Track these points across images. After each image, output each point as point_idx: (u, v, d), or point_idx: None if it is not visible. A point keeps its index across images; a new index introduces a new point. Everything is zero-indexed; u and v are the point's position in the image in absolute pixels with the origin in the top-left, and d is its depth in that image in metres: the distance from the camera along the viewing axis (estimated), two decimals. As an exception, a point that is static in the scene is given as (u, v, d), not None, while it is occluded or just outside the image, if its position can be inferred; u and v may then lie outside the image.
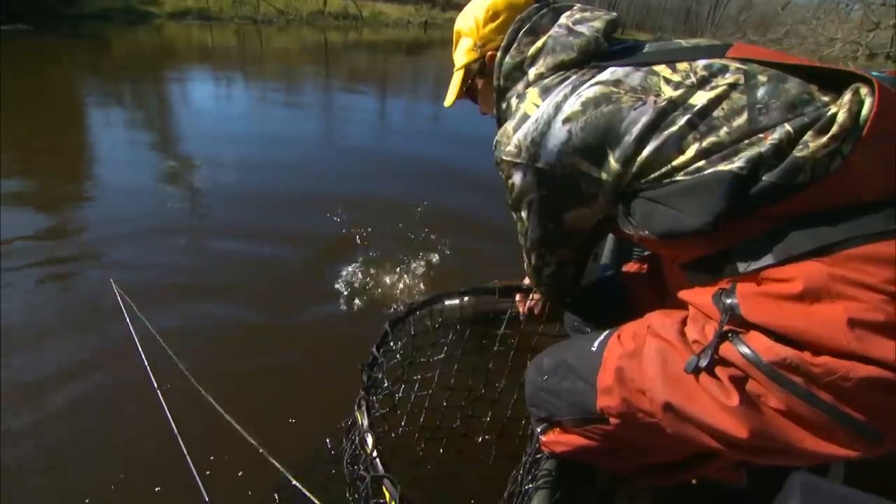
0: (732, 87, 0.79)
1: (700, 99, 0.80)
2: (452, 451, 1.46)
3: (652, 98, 0.82)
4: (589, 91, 0.86)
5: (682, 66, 0.85)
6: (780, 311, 0.69)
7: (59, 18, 13.50)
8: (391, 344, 1.42)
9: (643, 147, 0.81)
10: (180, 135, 5.11)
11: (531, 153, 0.90)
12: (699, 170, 0.76)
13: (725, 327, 0.73)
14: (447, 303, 1.60)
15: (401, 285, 2.38)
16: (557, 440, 1.03)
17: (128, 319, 1.87)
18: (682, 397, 0.77)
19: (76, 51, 10.08)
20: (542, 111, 0.90)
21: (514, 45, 0.99)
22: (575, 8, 1.01)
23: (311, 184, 3.68)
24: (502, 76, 1.01)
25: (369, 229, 2.90)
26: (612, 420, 0.89)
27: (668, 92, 0.82)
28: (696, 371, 0.75)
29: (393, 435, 1.42)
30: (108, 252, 2.57)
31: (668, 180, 0.79)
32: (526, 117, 0.92)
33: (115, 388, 1.70)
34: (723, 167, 0.74)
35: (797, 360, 0.67)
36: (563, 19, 0.98)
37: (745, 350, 0.71)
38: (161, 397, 1.45)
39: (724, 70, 0.82)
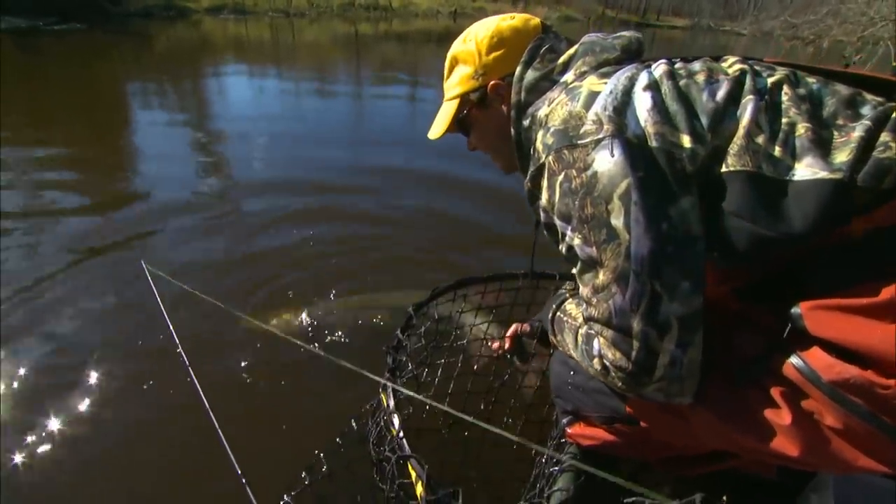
0: (787, 78, 0.74)
1: (765, 81, 0.74)
2: (476, 435, 1.45)
3: (723, 76, 0.76)
4: (659, 69, 0.79)
5: (731, 58, 0.81)
6: (851, 326, 0.62)
7: (107, 16, 14.11)
8: (415, 328, 1.40)
9: (729, 115, 0.72)
10: (216, 123, 5.27)
11: (616, 123, 0.73)
12: (780, 164, 0.68)
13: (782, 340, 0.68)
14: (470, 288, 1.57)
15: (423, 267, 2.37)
16: (583, 433, 1.00)
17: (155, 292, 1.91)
18: (725, 411, 0.72)
19: (122, 46, 10.40)
20: (615, 84, 0.77)
21: (538, 60, 0.92)
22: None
23: (343, 175, 3.68)
24: (524, 90, 0.91)
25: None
26: (643, 423, 0.86)
27: (735, 73, 0.76)
28: (743, 384, 0.71)
29: (419, 417, 1.41)
30: (147, 227, 2.70)
31: (752, 167, 0.68)
32: (595, 94, 0.77)
33: (147, 363, 1.75)
34: (811, 169, 0.65)
35: (861, 380, 0.61)
36: (586, 36, 0.93)
37: (801, 365, 0.65)
38: (192, 372, 1.46)
39: (771, 67, 0.78)
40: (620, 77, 0.78)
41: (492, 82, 0.98)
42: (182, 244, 2.61)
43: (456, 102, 1.04)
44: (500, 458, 1.39)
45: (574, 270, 0.82)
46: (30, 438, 1.46)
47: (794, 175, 0.66)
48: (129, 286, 2.20)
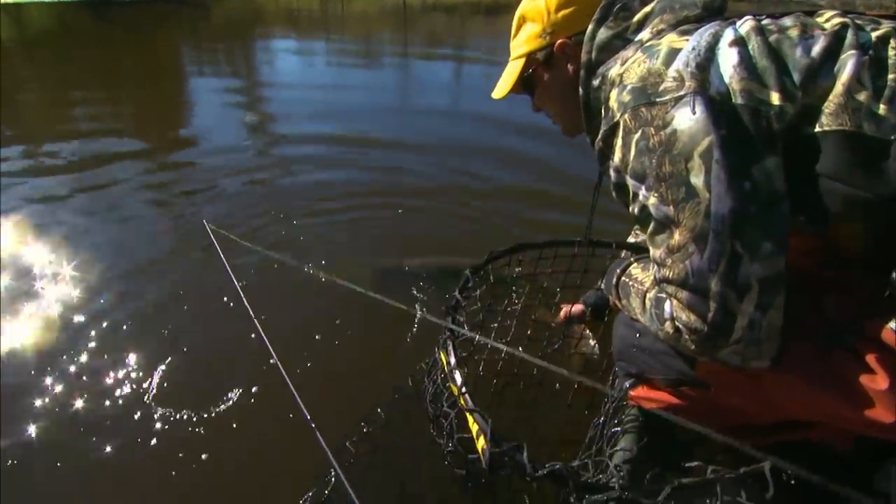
0: (894, 32, 0.68)
1: (868, 36, 0.69)
2: (529, 398, 1.45)
3: (819, 31, 0.70)
4: (745, 25, 0.73)
5: (829, 12, 0.75)
6: None
7: None
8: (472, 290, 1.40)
9: (822, 75, 0.67)
10: (265, 90, 5.36)
11: (699, 80, 0.69)
12: (885, 122, 0.63)
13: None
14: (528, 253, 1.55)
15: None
16: (647, 395, 0.98)
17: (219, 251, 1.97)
18: (812, 375, 0.69)
19: (181, 16, 10.65)
20: (698, 41, 0.72)
21: (611, 18, 0.88)
22: None
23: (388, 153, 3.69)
24: (595, 49, 0.88)
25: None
26: (713, 386, 0.83)
27: (832, 28, 0.70)
28: (832, 349, 0.67)
29: (470, 381, 1.42)
30: (202, 190, 2.80)
31: (851, 126, 0.64)
32: (675, 51, 0.73)
33: (214, 314, 1.82)
34: None
35: None
36: None
37: None
38: (258, 324, 1.51)
39: (875, 21, 0.72)
40: (704, 34, 0.73)
41: (559, 41, 0.95)
42: (234, 198, 2.73)
43: (522, 62, 1.01)
44: (553, 420, 1.39)
45: (644, 233, 0.79)
46: (108, 379, 1.55)
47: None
48: (188, 238, 2.30)
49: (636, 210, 0.78)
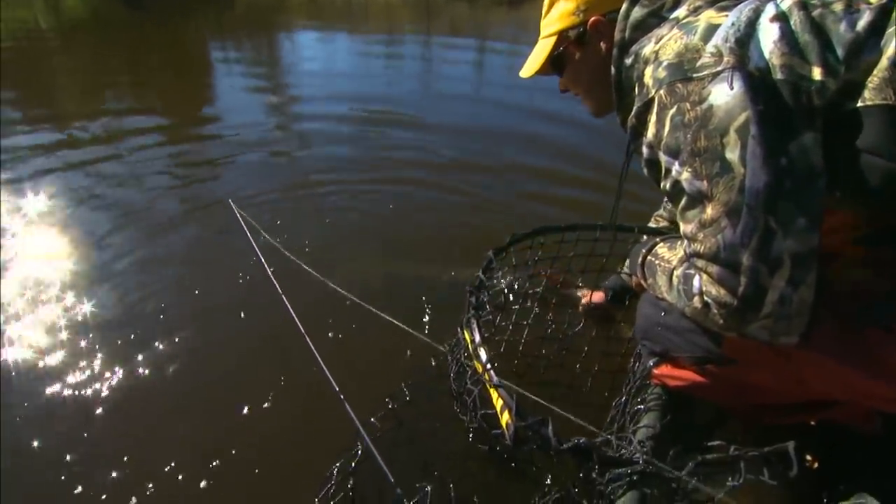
0: None
1: None
2: (550, 379, 1.46)
3: (863, 5, 0.68)
4: (787, 0, 0.71)
5: None
6: None
7: None
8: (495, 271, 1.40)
9: (870, 47, 0.65)
10: (288, 78, 5.42)
11: (738, 55, 0.68)
12: None
13: None
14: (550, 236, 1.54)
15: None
16: (671, 374, 0.98)
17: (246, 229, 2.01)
18: (843, 351, 0.69)
19: (207, 5, 10.77)
20: (738, 16, 0.71)
21: None
22: None
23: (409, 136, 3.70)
24: (629, 27, 0.87)
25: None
26: (740, 364, 0.82)
27: (878, 2, 0.68)
28: (864, 326, 0.67)
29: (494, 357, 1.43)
30: (226, 174, 2.86)
31: (894, 100, 0.63)
32: (714, 27, 0.72)
33: (245, 293, 1.85)
34: None
35: None
36: None
37: None
38: (286, 301, 1.54)
39: None
40: (744, 9, 0.72)
41: (592, 18, 0.94)
42: (256, 179, 2.77)
43: (553, 39, 1.00)
44: (574, 401, 1.39)
45: (675, 209, 0.78)
46: (140, 356, 1.59)
47: None
48: (214, 218, 2.34)
49: (668, 186, 0.78)
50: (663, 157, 0.77)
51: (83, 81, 5.00)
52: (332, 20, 9.57)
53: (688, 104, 0.70)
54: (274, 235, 2.09)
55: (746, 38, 0.69)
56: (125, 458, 1.28)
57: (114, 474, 1.24)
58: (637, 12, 0.87)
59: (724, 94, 0.67)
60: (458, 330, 1.30)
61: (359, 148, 3.25)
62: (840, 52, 0.66)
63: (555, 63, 1.03)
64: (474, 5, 12.40)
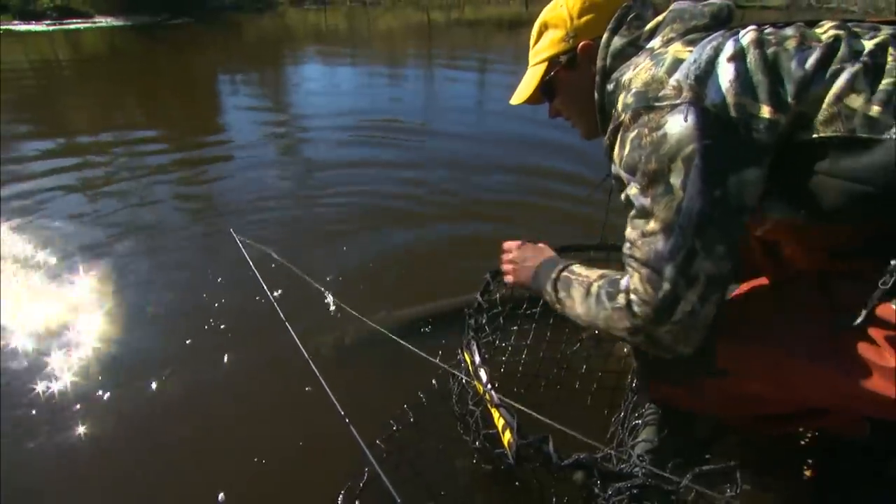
0: (892, 38, 0.71)
1: (865, 44, 0.71)
2: (549, 398, 1.46)
3: (815, 42, 0.74)
4: (747, 37, 0.77)
5: (827, 24, 0.78)
6: None
7: (203, 8, 15.29)
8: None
9: (815, 85, 0.71)
10: (292, 106, 5.56)
11: (696, 92, 0.73)
12: (879, 123, 0.66)
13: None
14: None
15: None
16: (666, 389, 0.99)
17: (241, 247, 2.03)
18: (825, 358, 0.72)
19: (216, 37, 11.07)
20: (700, 53, 0.77)
21: (624, 27, 0.92)
22: None
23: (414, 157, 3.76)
24: (610, 56, 0.92)
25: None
26: (734, 377, 0.85)
27: (829, 39, 0.74)
28: (844, 331, 0.70)
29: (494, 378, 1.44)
30: (233, 201, 2.91)
31: (844, 132, 0.68)
32: (679, 61, 0.78)
33: (248, 318, 1.87)
34: None
35: None
36: (676, 3, 0.90)
37: None
38: (288, 325, 1.55)
39: (874, 27, 0.75)
40: (706, 46, 0.78)
41: (582, 42, 0.98)
42: (264, 211, 2.78)
43: (544, 66, 1.04)
44: (574, 420, 1.39)
45: (628, 216, 0.84)
46: (141, 379, 1.60)
47: (893, 134, 0.65)
48: (217, 246, 2.39)
49: (623, 197, 0.84)
50: (623, 174, 0.82)
51: (93, 106, 5.25)
52: (338, 49, 9.79)
53: (646, 129, 0.77)
54: (278, 252, 2.08)
55: (705, 75, 0.75)
56: (131, 481, 1.29)
57: (120, 496, 1.26)
58: (617, 42, 0.92)
59: (678, 125, 0.73)
60: (459, 352, 1.31)
61: (360, 168, 3.35)
62: (791, 88, 0.71)
63: (545, 88, 1.07)
64: (475, 30, 12.64)
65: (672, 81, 0.76)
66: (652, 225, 0.77)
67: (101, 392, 1.56)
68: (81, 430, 1.43)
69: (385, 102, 5.42)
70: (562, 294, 0.99)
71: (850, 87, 0.68)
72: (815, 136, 0.70)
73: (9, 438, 1.40)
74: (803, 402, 0.87)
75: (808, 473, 0.95)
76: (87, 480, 1.31)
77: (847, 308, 0.70)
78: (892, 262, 0.66)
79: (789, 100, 0.71)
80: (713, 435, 1.07)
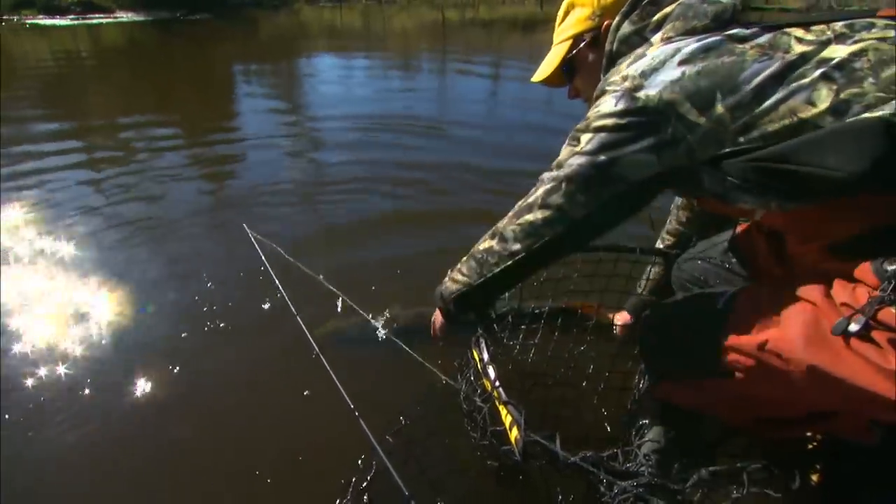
0: (880, 41, 0.71)
1: (838, 52, 0.72)
2: (556, 397, 1.47)
3: (780, 53, 0.75)
4: (711, 40, 0.80)
5: (819, 27, 0.77)
6: None
7: (223, 4, 15.50)
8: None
9: (763, 98, 0.74)
10: (305, 104, 5.59)
11: (635, 83, 0.82)
12: (836, 121, 0.68)
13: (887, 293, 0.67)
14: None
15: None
16: (673, 390, 0.99)
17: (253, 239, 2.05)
18: (828, 359, 0.71)
19: (234, 32, 11.15)
20: (662, 51, 0.83)
21: (637, 12, 0.93)
22: None
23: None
24: (617, 41, 0.94)
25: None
26: (738, 376, 0.84)
27: (799, 49, 0.74)
28: (847, 333, 0.70)
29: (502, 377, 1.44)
30: (245, 195, 2.94)
31: (791, 136, 0.71)
32: (643, 55, 0.86)
33: (261, 310, 1.89)
34: (868, 115, 0.66)
35: None
36: None
37: None
38: (299, 319, 1.57)
39: (868, 27, 0.74)
40: (672, 45, 0.83)
41: (606, 22, 0.99)
42: (276, 207, 2.82)
43: (568, 43, 1.06)
44: (580, 418, 1.40)
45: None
46: (154, 373, 1.63)
47: (842, 121, 0.68)
48: (228, 240, 2.40)
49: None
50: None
51: (112, 97, 5.38)
52: (351, 44, 9.83)
53: (595, 106, 0.88)
54: (288, 251, 2.09)
55: (651, 71, 0.81)
56: (140, 475, 1.31)
57: (127, 489, 1.28)
58: (625, 28, 0.93)
59: (608, 106, 0.84)
60: (468, 350, 1.32)
61: (375, 164, 3.38)
62: (731, 99, 0.75)
63: (568, 67, 1.09)
64: (490, 30, 12.61)
65: (624, 72, 0.85)
66: (561, 156, 0.93)
67: (112, 382, 1.57)
68: (88, 426, 1.43)
69: (399, 101, 5.42)
70: (469, 264, 1.10)
71: (806, 100, 0.70)
72: (749, 148, 0.74)
73: (9, 431, 1.41)
74: (807, 405, 0.87)
75: (814, 478, 0.94)
76: (110, 476, 1.32)
77: (849, 311, 0.71)
78: (891, 269, 0.68)
79: (722, 111, 0.76)
80: (720, 436, 1.07)
